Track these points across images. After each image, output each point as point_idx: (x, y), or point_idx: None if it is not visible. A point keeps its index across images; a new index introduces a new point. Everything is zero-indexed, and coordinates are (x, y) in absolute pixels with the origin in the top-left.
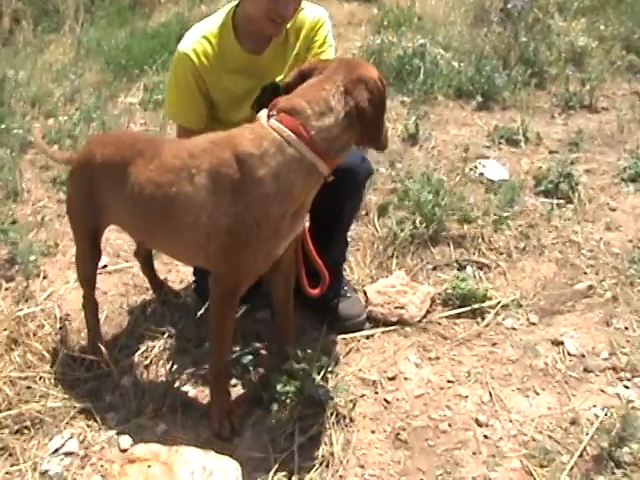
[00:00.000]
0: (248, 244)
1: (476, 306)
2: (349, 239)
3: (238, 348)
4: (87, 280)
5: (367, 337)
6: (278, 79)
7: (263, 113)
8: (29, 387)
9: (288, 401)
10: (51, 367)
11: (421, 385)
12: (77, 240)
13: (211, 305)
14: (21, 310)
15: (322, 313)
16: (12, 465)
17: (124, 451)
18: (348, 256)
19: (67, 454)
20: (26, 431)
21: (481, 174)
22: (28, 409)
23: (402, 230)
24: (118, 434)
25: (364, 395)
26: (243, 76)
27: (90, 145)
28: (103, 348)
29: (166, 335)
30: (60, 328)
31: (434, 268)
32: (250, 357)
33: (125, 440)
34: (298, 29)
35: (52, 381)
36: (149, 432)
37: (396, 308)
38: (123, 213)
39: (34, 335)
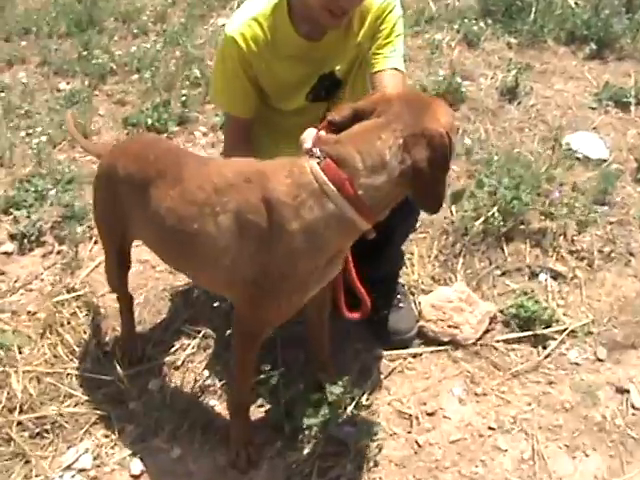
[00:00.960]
0: (272, 294)
1: (539, 332)
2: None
3: (268, 367)
4: (116, 290)
5: (414, 356)
6: (337, 68)
7: (308, 137)
8: (54, 385)
9: (312, 434)
10: (80, 363)
11: (460, 428)
12: (104, 248)
13: (233, 342)
14: (60, 294)
15: (370, 323)
16: (25, 476)
17: (134, 477)
18: (411, 245)
19: (80, 470)
20: (45, 435)
21: (575, 151)
22: (50, 412)
23: (475, 221)
24: (131, 455)
25: (395, 434)
26: (297, 63)
27: (113, 153)
28: (118, 367)
29: (201, 334)
30: (93, 319)
31: (503, 273)
32: (277, 378)
33: (136, 466)
34: (364, 14)
35: (78, 380)
36: (163, 457)
37: (450, 327)
38: (147, 233)
39: (68, 324)
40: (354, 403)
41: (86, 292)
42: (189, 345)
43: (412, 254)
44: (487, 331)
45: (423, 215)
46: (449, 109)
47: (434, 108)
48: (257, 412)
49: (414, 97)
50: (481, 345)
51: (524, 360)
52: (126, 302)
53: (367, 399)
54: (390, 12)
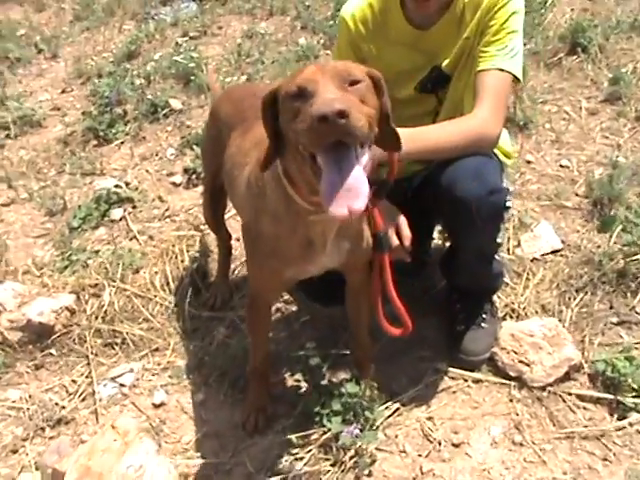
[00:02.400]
0: (252, 253)
1: (622, 399)
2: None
3: (313, 345)
4: (211, 226)
5: (476, 381)
6: (445, 63)
7: None
8: (138, 307)
9: (318, 424)
10: (169, 295)
11: (474, 470)
12: (203, 183)
13: None
14: (185, 230)
15: (446, 335)
16: (81, 374)
17: (154, 405)
18: (539, 266)
19: (120, 385)
20: (113, 347)
21: None
22: (124, 328)
23: (618, 256)
24: (163, 386)
25: (404, 452)
26: (408, 50)
27: (222, 95)
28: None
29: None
30: (197, 258)
31: (619, 323)
32: (317, 360)
33: (160, 396)
34: (476, 5)
35: (160, 308)
36: (186, 397)
37: (520, 362)
38: (224, 173)
39: (175, 257)
40: (382, 407)
41: (206, 233)
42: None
43: (533, 275)
44: (564, 379)
45: (571, 238)
46: None
47: None
48: (289, 383)
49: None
50: (549, 392)
51: (590, 424)
52: (222, 243)
53: (397, 408)
54: (503, 6)
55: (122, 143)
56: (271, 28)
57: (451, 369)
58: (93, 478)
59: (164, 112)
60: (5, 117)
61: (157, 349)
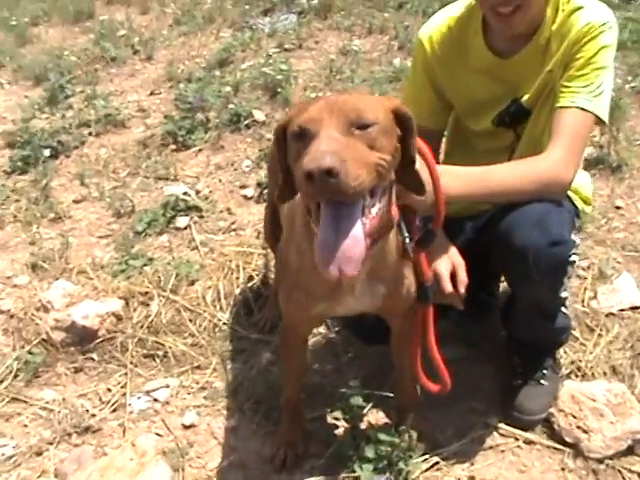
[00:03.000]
0: (281, 281)
1: None
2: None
3: (357, 383)
4: (269, 242)
5: (528, 442)
6: (525, 97)
7: None
8: (185, 321)
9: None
10: (219, 311)
11: None
12: (267, 198)
13: None
14: (244, 246)
15: (501, 387)
16: (117, 383)
17: (183, 425)
18: (615, 322)
19: (153, 400)
20: (154, 359)
21: None
22: (167, 341)
23: None
24: (195, 407)
25: None
26: (487, 79)
27: (296, 107)
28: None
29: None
30: (249, 277)
31: None
32: (359, 400)
33: (190, 418)
34: (563, 35)
35: (208, 325)
36: (218, 422)
37: (578, 428)
38: None
39: (230, 274)
40: (420, 459)
41: (268, 252)
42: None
43: (607, 332)
44: (626, 453)
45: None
46: None
47: None
48: (327, 420)
49: None
50: (607, 465)
51: None
52: None
53: (436, 462)
54: (592, 39)
55: (200, 150)
56: (367, 46)
57: (502, 425)
58: None
59: (246, 122)
60: (91, 115)
61: (198, 367)
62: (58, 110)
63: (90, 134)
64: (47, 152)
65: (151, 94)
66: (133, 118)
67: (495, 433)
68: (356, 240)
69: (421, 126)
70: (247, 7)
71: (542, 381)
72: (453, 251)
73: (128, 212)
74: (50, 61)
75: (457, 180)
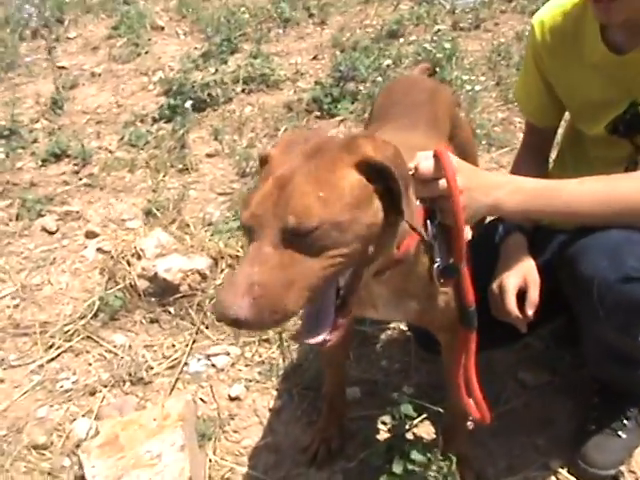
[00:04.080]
0: None
1: None
2: None
3: (411, 390)
4: None
5: None
6: None
7: None
8: None
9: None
10: None
11: None
12: None
13: None
14: None
15: (573, 429)
16: (183, 341)
17: (229, 396)
18: None
19: (210, 364)
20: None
21: None
22: None
23: None
24: (247, 381)
25: None
26: (602, 76)
27: (389, 83)
28: None
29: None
30: None
31: None
32: (409, 409)
33: (237, 390)
34: None
35: None
36: (263, 400)
37: None
38: None
39: None
40: None
41: None
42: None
43: None
44: None
45: None
46: None
47: None
48: (374, 423)
49: None
50: None
51: None
52: None
53: None
54: None
55: (342, 120)
56: None
57: (563, 472)
58: (115, 448)
59: None
60: (248, 72)
61: (267, 340)
62: (219, 64)
63: (243, 91)
64: (189, 104)
65: (314, 59)
66: (287, 80)
67: (553, 478)
68: (324, 312)
69: (529, 122)
70: None
71: (620, 432)
72: (529, 265)
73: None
74: (226, 16)
75: (517, 194)
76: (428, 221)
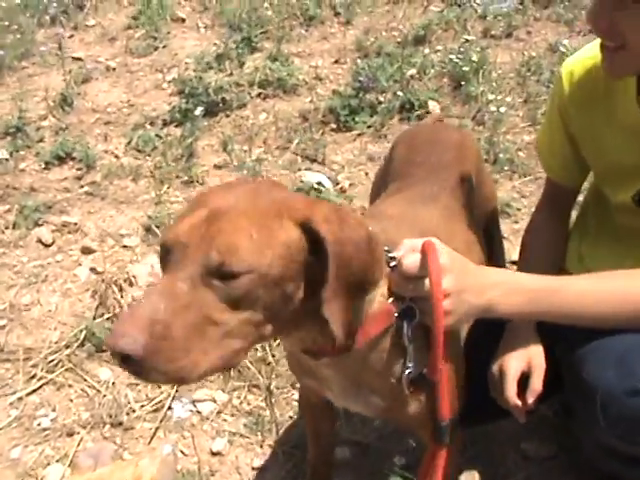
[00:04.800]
0: None
1: None
2: None
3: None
4: None
5: None
6: None
7: None
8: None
9: None
10: None
11: None
12: None
13: None
14: None
15: None
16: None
17: (210, 451)
18: None
19: (195, 411)
20: None
21: None
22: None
23: None
24: (231, 435)
25: None
26: (633, 140)
27: (406, 132)
28: None
29: None
30: None
31: None
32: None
33: (219, 445)
34: None
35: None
36: (245, 457)
37: None
38: None
39: None
40: None
41: None
42: None
43: None
44: None
45: None
46: None
47: None
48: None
49: None
50: None
51: None
52: None
53: None
54: None
55: (359, 135)
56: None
57: None
58: None
59: (418, 113)
60: (265, 75)
61: (256, 386)
62: (236, 65)
63: (259, 95)
64: (199, 111)
65: (335, 62)
66: (305, 85)
67: None
68: None
69: (551, 179)
70: None
71: None
72: (535, 349)
73: None
74: (248, 11)
75: (515, 296)
76: (404, 321)
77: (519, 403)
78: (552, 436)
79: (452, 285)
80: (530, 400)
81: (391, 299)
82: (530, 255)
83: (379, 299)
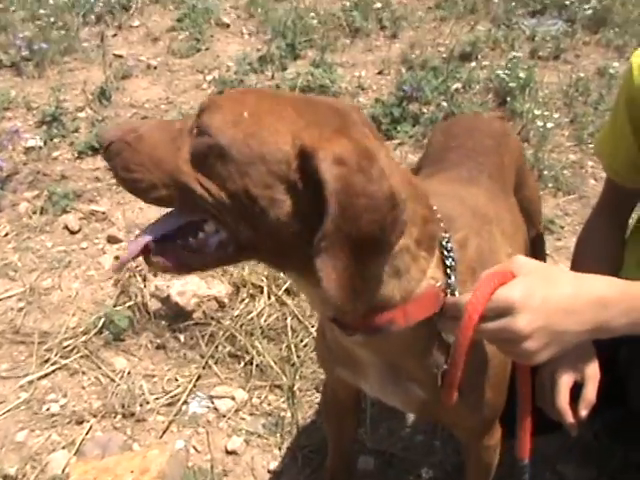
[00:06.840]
0: None
1: None
2: None
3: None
4: None
5: None
6: None
7: None
8: (288, 331)
9: None
10: None
11: None
12: None
13: None
14: None
15: None
16: (188, 375)
17: (225, 449)
18: None
19: (212, 407)
20: (239, 362)
21: None
22: (259, 349)
23: None
24: (249, 434)
25: None
26: None
27: (446, 122)
28: None
29: None
30: None
31: None
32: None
33: (235, 444)
34: None
35: (310, 341)
36: (261, 458)
37: None
38: None
39: None
40: None
41: None
42: None
43: None
44: None
45: None
46: None
47: None
48: None
49: None
50: None
51: None
52: None
53: None
54: None
55: (400, 144)
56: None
57: None
58: None
59: None
60: (308, 82)
61: (278, 387)
62: (278, 69)
63: None
64: None
65: (379, 73)
66: (347, 94)
67: None
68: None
69: (611, 181)
70: (514, 4)
71: None
72: (589, 358)
73: None
74: (294, 20)
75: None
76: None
77: (572, 416)
78: (590, 459)
79: (527, 323)
80: (583, 412)
81: (439, 282)
82: (585, 258)
83: (429, 281)
